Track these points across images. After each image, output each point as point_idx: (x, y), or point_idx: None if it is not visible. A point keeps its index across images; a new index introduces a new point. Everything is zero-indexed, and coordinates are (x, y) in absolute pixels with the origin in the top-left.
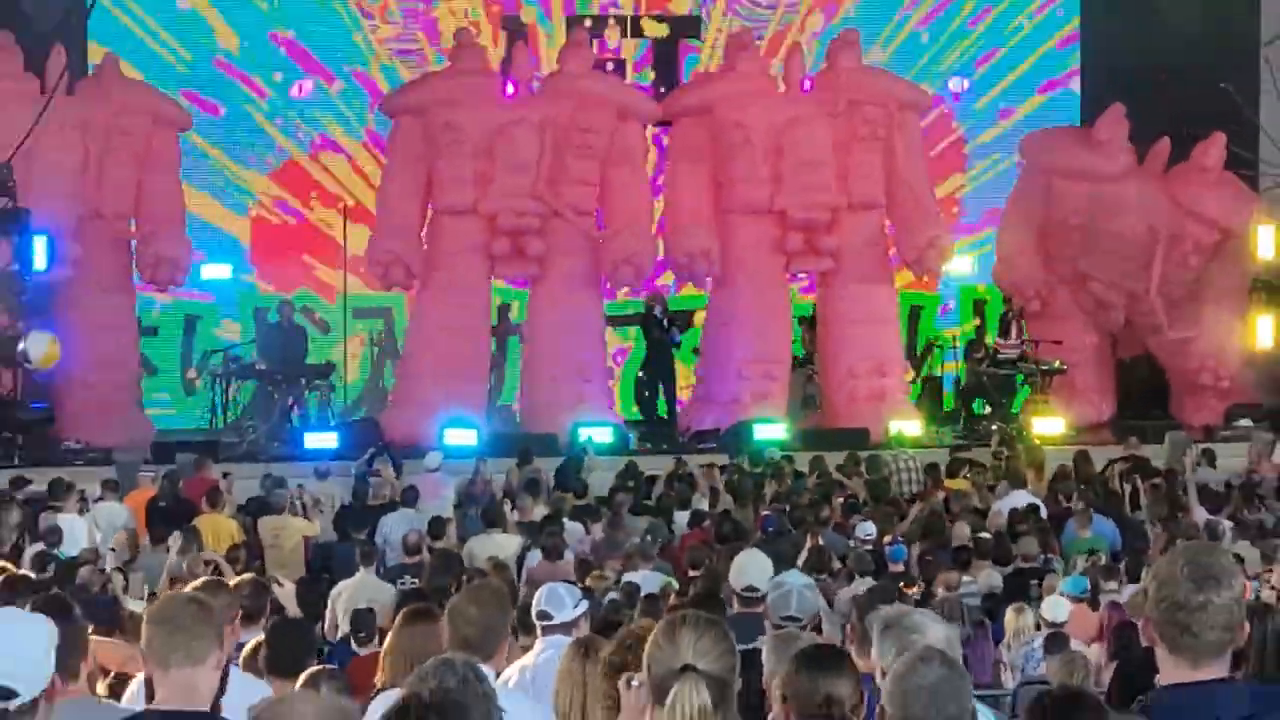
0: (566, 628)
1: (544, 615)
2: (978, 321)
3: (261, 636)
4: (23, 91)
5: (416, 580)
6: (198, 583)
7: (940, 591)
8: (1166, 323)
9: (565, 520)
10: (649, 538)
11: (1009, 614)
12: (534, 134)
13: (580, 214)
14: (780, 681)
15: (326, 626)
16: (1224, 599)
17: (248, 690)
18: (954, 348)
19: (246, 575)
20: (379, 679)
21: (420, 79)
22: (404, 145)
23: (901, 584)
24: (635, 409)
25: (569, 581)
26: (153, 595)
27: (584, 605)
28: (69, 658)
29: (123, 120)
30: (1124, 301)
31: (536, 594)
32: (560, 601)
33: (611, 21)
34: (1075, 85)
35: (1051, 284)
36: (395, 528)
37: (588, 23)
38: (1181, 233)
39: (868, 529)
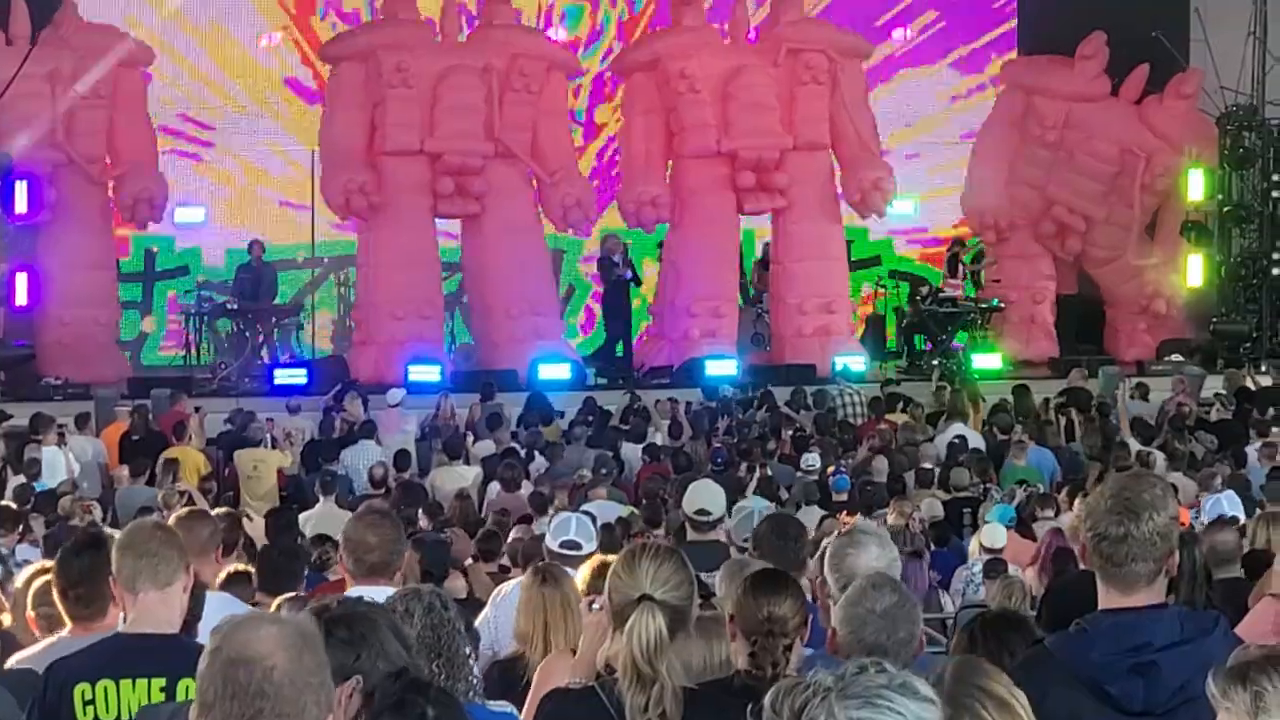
0: (586, 559)
1: (571, 544)
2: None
3: (234, 567)
4: None
5: None
6: (182, 512)
7: (886, 519)
8: (1134, 244)
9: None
10: (602, 470)
11: (973, 542)
12: (477, 79)
13: (521, 155)
14: (731, 603)
15: None
16: (1143, 531)
17: (227, 611)
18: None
19: (222, 508)
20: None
21: (361, 27)
22: (346, 89)
23: (843, 512)
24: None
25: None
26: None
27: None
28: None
29: (87, 64)
30: (1084, 226)
31: (561, 523)
32: (589, 534)
33: None
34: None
35: (1014, 217)
36: (356, 459)
37: None
38: (1156, 158)
39: (812, 460)
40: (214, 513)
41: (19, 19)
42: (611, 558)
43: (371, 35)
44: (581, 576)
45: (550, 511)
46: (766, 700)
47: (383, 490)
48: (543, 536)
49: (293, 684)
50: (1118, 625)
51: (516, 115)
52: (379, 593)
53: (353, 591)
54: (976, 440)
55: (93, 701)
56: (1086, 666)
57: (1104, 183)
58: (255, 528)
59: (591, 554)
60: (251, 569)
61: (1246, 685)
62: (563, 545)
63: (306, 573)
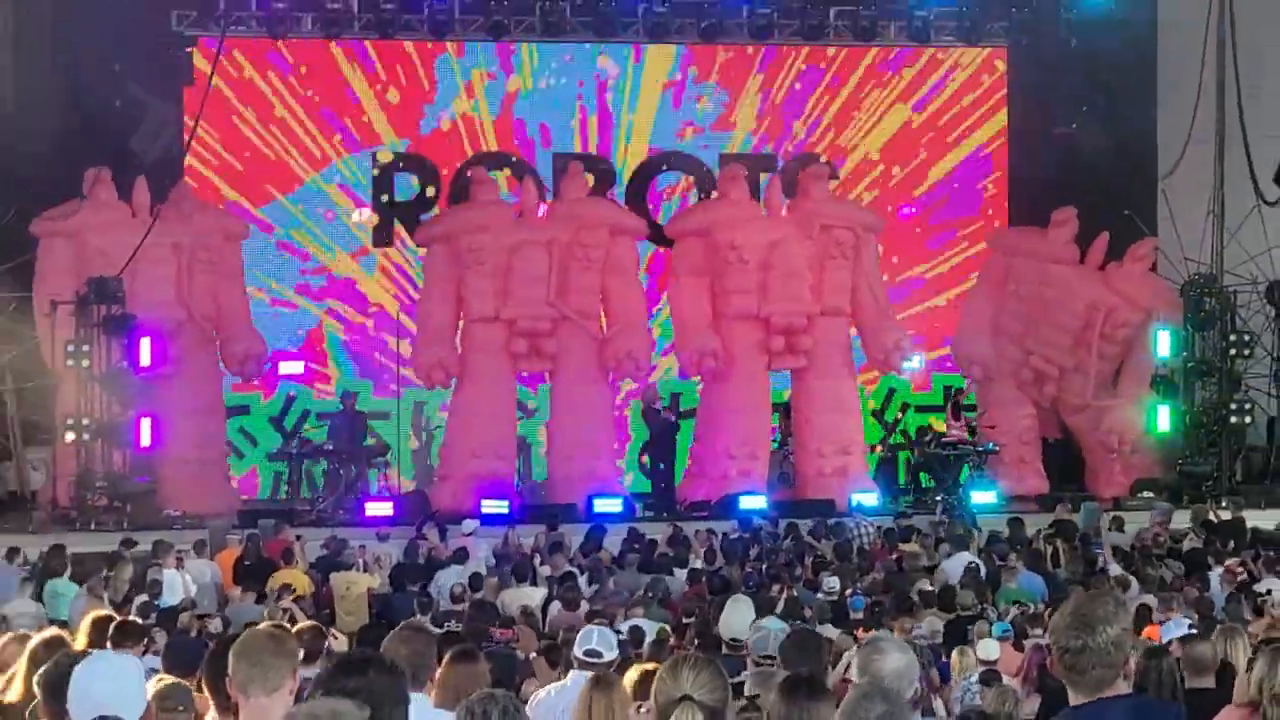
0: (608, 664)
1: (593, 653)
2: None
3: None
4: (120, 217)
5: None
6: (267, 623)
7: (895, 635)
8: (1093, 388)
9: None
10: (648, 592)
11: (954, 655)
12: (543, 252)
13: (586, 317)
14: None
15: None
16: (1098, 642)
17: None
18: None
19: (309, 623)
20: None
21: (446, 212)
22: (437, 267)
23: (858, 629)
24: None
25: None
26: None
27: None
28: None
29: (202, 238)
30: (1058, 374)
31: (586, 634)
32: (609, 644)
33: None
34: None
35: (1000, 365)
36: (447, 581)
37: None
38: (1115, 313)
39: (832, 583)
40: (299, 626)
41: (140, 193)
42: (651, 666)
43: (454, 220)
44: (629, 681)
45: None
46: None
47: (460, 606)
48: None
49: None
50: (1077, 712)
51: (583, 280)
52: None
53: None
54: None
55: None
56: None
57: (1073, 335)
58: (339, 645)
59: (612, 661)
60: None
61: None
62: (586, 653)
63: None
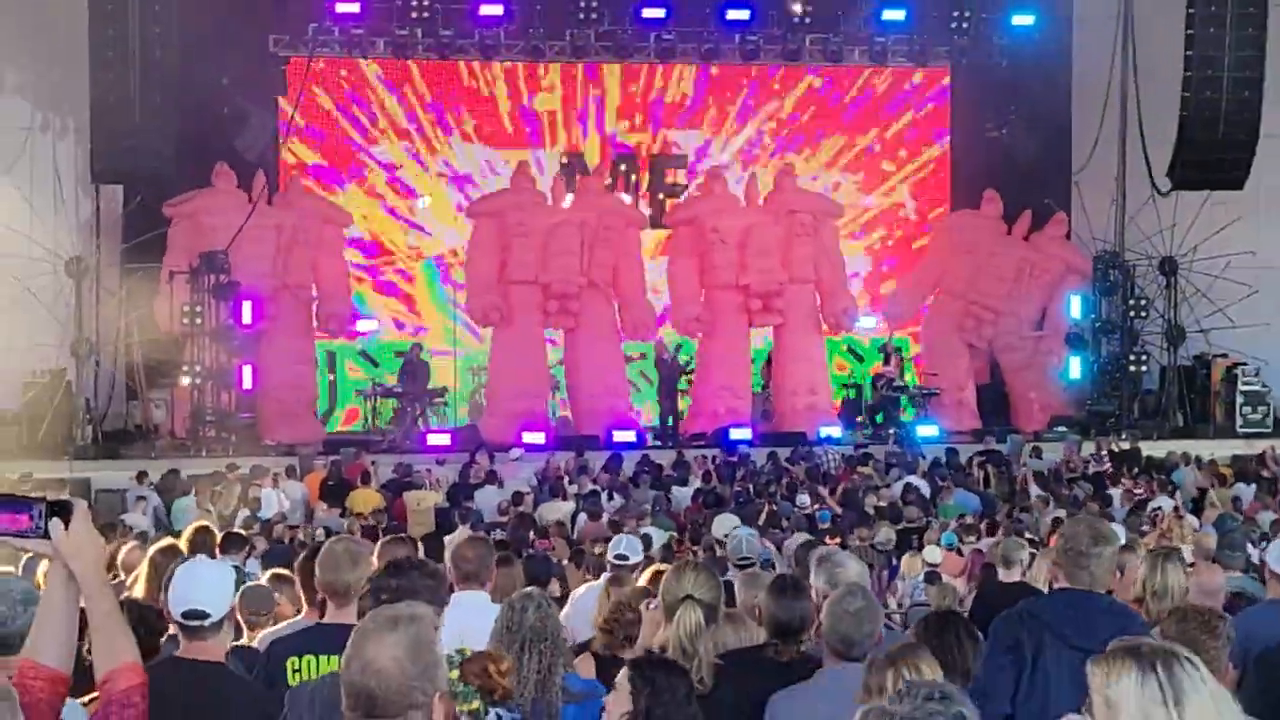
0: (633, 567)
1: (622, 557)
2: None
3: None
4: (237, 202)
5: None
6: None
7: (855, 542)
8: (1025, 326)
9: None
10: (655, 506)
11: (905, 559)
12: (576, 230)
13: (605, 285)
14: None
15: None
16: (1109, 551)
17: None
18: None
19: (397, 535)
20: None
21: (494, 194)
22: (484, 237)
23: (826, 537)
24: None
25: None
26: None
27: (643, 553)
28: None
29: (304, 221)
30: (994, 317)
31: (616, 542)
32: (636, 549)
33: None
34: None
35: (944, 319)
36: (485, 498)
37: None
38: (1038, 266)
39: (804, 500)
40: (386, 539)
41: (258, 185)
42: (662, 567)
43: (502, 199)
44: (644, 579)
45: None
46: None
47: (505, 519)
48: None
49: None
50: (1074, 598)
51: (603, 256)
52: (474, 595)
53: (455, 595)
54: (923, 486)
55: (300, 670)
56: (1050, 616)
57: (1007, 284)
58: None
59: (638, 563)
60: None
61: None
62: (617, 558)
63: None
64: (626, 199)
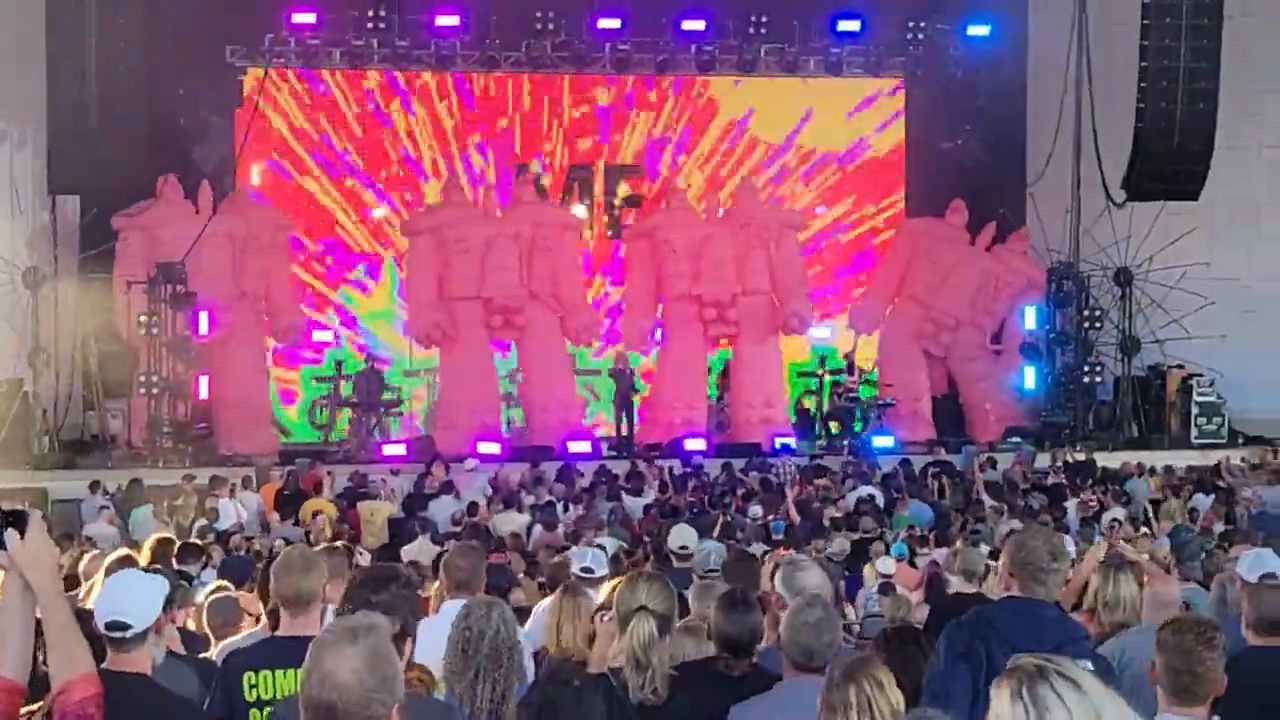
0: (598, 581)
1: (588, 570)
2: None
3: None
4: (185, 214)
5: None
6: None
7: (810, 553)
8: (984, 339)
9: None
10: (611, 516)
11: (866, 569)
12: (512, 243)
13: (547, 295)
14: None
15: None
16: (1065, 567)
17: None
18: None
19: (338, 543)
20: (433, 596)
21: (427, 210)
22: (422, 254)
23: (779, 548)
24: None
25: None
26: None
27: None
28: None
29: (254, 230)
30: (954, 325)
31: (581, 554)
32: (600, 562)
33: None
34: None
35: (903, 325)
36: (438, 509)
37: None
38: (1001, 279)
39: (756, 511)
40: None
41: (204, 195)
42: (615, 580)
43: (438, 215)
44: (603, 594)
45: (580, 545)
46: None
47: (459, 529)
48: (568, 563)
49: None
50: (1023, 607)
51: (541, 266)
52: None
53: (445, 602)
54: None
55: (256, 686)
56: (1000, 624)
57: (969, 297)
58: (363, 561)
59: (603, 577)
60: None
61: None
62: (582, 570)
63: None
64: (581, 210)
